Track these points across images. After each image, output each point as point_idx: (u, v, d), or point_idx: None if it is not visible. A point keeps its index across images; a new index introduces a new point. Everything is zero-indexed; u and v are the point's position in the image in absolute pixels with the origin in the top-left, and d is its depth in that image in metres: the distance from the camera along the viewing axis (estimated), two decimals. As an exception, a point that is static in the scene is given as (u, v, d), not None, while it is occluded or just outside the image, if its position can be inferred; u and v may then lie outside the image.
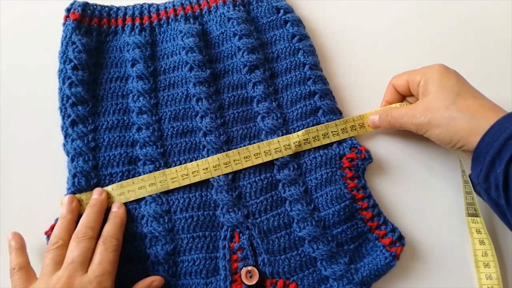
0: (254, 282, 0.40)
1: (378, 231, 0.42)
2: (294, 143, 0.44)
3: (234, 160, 0.44)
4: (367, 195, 0.43)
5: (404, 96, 0.47)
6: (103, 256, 0.37)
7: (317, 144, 0.45)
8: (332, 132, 0.45)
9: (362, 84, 0.50)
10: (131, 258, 0.41)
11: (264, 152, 0.44)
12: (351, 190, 0.43)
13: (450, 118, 0.39)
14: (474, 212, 0.43)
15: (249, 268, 0.41)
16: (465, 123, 0.38)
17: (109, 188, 0.43)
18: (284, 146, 0.44)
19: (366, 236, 0.42)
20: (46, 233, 0.41)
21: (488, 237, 0.42)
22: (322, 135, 0.45)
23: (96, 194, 0.42)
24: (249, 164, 0.44)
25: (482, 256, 0.42)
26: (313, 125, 0.46)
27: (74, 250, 0.37)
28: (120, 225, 0.40)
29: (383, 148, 0.47)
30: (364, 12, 0.54)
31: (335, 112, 0.46)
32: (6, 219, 0.44)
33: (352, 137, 0.46)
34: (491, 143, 0.36)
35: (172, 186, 0.43)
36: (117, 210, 0.41)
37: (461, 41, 0.53)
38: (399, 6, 0.54)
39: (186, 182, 0.43)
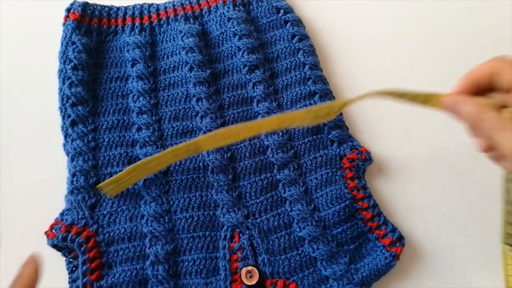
0: (254, 282, 0.40)
1: (378, 231, 0.42)
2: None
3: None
4: (367, 195, 0.43)
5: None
6: None
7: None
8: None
9: (362, 84, 0.50)
10: (131, 258, 0.41)
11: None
12: (351, 190, 0.43)
13: None
14: None
15: (249, 268, 0.41)
16: None
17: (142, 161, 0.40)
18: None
19: (366, 236, 0.42)
20: (45, 233, 0.41)
21: None
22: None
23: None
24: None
25: None
26: (313, 125, 0.45)
27: None
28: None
29: (383, 149, 0.47)
30: (364, 12, 0.54)
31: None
32: (6, 219, 0.44)
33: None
34: None
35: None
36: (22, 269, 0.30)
37: (462, 41, 0.53)
38: (399, 6, 0.54)
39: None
